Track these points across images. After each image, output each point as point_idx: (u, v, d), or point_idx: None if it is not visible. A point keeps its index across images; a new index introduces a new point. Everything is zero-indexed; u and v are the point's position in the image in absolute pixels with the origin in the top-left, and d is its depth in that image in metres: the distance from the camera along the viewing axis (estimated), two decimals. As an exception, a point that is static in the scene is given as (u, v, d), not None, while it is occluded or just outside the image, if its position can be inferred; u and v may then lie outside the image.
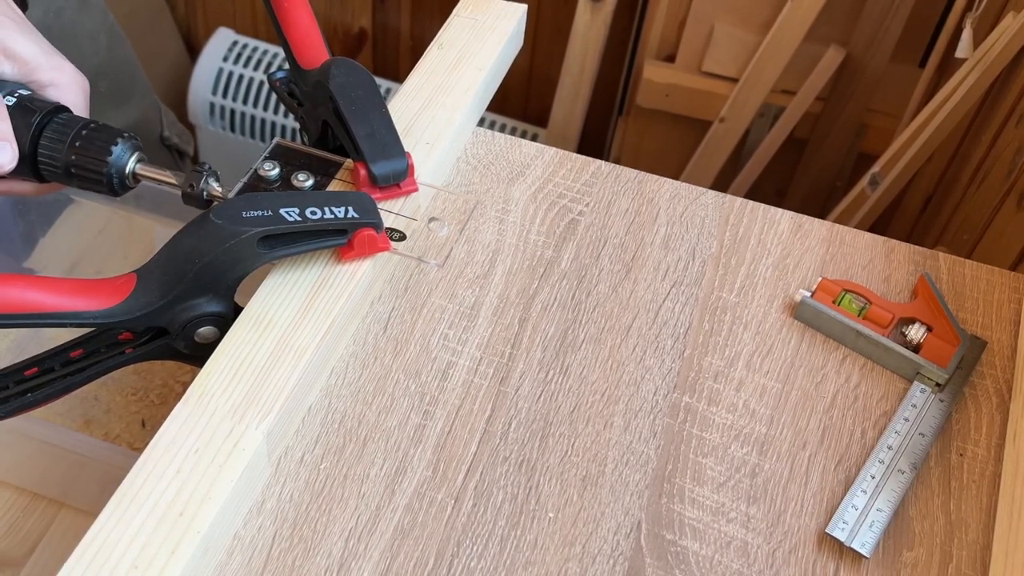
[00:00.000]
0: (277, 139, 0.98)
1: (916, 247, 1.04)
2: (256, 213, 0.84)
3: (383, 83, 2.35)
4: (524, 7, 1.17)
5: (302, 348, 0.85)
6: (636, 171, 1.08)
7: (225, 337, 0.86)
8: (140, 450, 1.10)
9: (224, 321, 0.86)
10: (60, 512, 1.04)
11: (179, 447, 0.79)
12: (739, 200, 1.07)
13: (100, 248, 1.26)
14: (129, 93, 1.48)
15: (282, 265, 0.91)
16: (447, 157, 1.05)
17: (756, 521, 0.84)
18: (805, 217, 1.06)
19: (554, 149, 1.10)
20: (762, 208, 1.07)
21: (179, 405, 0.81)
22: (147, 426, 1.12)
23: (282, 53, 2.33)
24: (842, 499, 0.86)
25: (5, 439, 1.00)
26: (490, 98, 1.14)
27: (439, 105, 1.06)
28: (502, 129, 2.33)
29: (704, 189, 1.08)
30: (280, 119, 2.35)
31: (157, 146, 1.53)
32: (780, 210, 1.07)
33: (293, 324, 0.87)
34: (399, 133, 0.96)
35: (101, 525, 0.75)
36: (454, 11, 1.16)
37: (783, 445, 0.89)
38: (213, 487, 0.77)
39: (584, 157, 1.10)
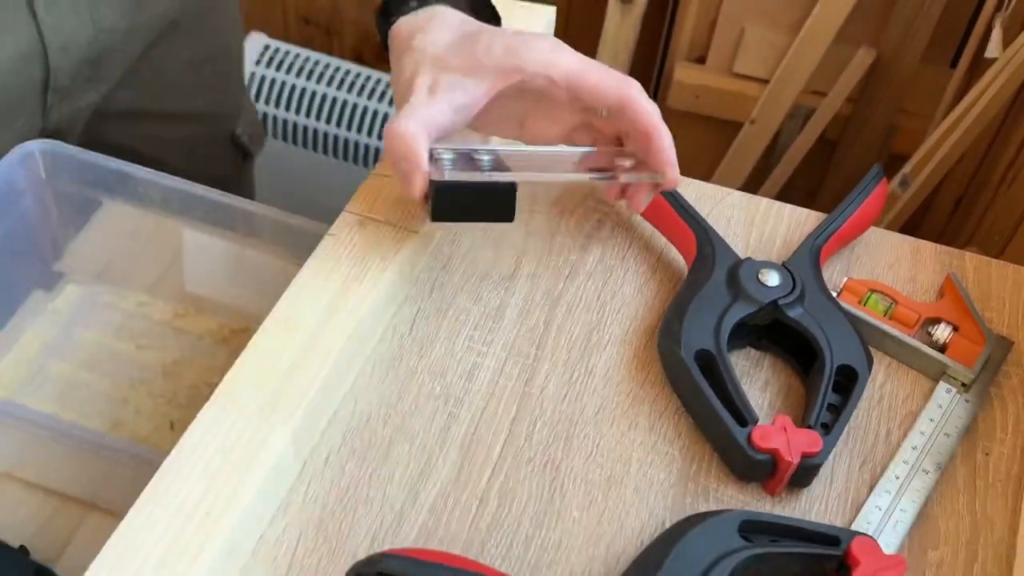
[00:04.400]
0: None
1: (942, 247, 1.04)
2: None
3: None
4: (553, 9, 1.17)
5: (328, 349, 0.86)
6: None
7: (253, 338, 0.86)
8: (169, 452, 1.10)
9: None
10: (89, 514, 1.04)
11: (206, 448, 0.79)
12: (765, 200, 1.07)
13: (130, 251, 1.27)
14: (224, 83, 1.49)
15: (308, 267, 0.91)
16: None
17: (781, 521, 0.84)
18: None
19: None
20: (788, 208, 1.07)
21: (206, 406, 0.82)
22: (176, 428, 1.13)
23: (314, 57, 2.34)
24: (867, 499, 0.86)
25: (35, 441, 1.01)
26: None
27: None
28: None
29: (730, 190, 1.08)
30: (312, 123, 2.36)
31: (226, 143, 1.53)
32: (806, 210, 1.06)
33: (319, 325, 0.87)
34: None
35: (128, 525, 0.75)
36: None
37: (808, 445, 0.89)
38: (239, 488, 0.77)
39: (610, 158, 1.10)
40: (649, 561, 0.77)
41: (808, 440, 0.83)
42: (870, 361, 0.91)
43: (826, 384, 0.88)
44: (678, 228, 0.99)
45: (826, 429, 0.86)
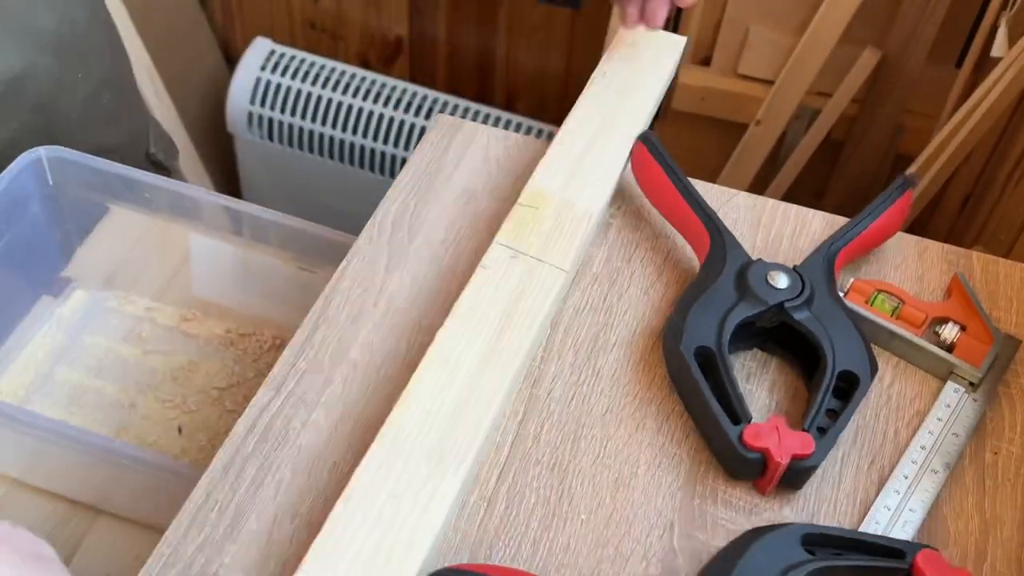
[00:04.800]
0: None
1: (948, 246, 1.04)
2: None
3: (420, 90, 2.36)
4: (684, 39, 1.18)
5: (490, 394, 0.86)
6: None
7: (413, 379, 0.86)
8: (178, 457, 1.11)
9: None
10: (98, 519, 1.04)
11: (377, 492, 0.78)
12: (771, 201, 1.07)
13: (136, 257, 1.27)
14: (126, 108, 1.48)
15: (464, 302, 0.91)
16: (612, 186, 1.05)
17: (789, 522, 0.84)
18: (837, 217, 1.06)
19: (586, 153, 1.11)
20: (794, 209, 1.07)
21: (373, 448, 0.81)
22: (183, 432, 1.13)
23: (319, 61, 2.34)
24: (875, 499, 0.86)
25: (42, 447, 1.01)
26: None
27: (608, 138, 1.07)
28: (539, 135, 2.33)
29: (736, 191, 1.08)
30: (318, 127, 2.36)
31: (142, 163, 1.52)
32: (812, 210, 1.06)
33: (478, 368, 0.87)
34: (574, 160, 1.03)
35: (306, 572, 0.74)
36: (616, 39, 1.17)
37: (816, 446, 0.89)
38: (416, 534, 0.76)
39: (615, 160, 1.10)
40: None
41: (800, 442, 0.83)
42: (874, 368, 0.90)
43: (825, 388, 0.88)
44: (693, 226, 0.99)
45: (823, 433, 0.86)
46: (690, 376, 0.89)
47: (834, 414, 0.88)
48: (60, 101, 1.31)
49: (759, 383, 0.94)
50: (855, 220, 0.99)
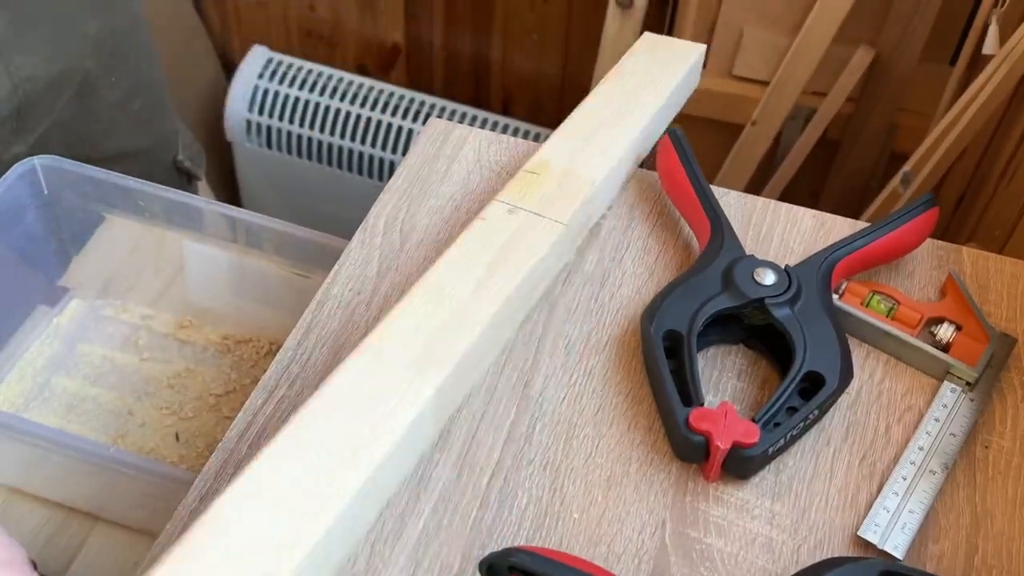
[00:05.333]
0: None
1: (938, 241, 1.04)
2: None
3: (418, 96, 2.36)
4: (703, 47, 1.18)
5: (476, 321, 0.88)
6: (657, 173, 1.08)
7: (402, 301, 0.88)
8: (175, 464, 1.11)
9: None
10: (95, 526, 1.05)
11: (355, 394, 0.80)
12: (761, 200, 1.08)
13: (132, 265, 1.28)
14: (155, 115, 1.49)
15: (459, 245, 0.93)
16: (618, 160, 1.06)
17: (781, 517, 0.85)
18: (828, 215, 1.06)
19: (576, 154, 1.11)
20: (784, 207, 1.07)
21: (352, 358, 0.83)
22: (181, 439, 1.13)
23: (317, 69, 2.35)
24: (867, 495, 0.86)
25: (39, 455, 1.01)
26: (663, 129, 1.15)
27: (618, 125, 1.08)
28: (536, 138, 2.33)
29: (726, 190, 1.08)
30: (316, 135, 2.36)
31: (169, 169, 1.53)
32: (803, 208, 1.07)
33: (469, 299, 0.89)
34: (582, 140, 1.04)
35: (261, 463, 0.75)
36: (633, 47, 1.17)
37: (807, 441, 0.89)
38: (382, 436, 0.78)
39: (606, 161, 1.10)
40: None
41: (744, 430, 0.84)
42: (847, 376, 0.90)
43: (787, 385, 0.88)
44: (698, 215, 1.00)
45: (777, 427, 0.86)
46: (653, 356, 0.90)
47: (795, 412, 0.88)
48: (91, 103, 1.33)
49: (741, 377, 0.94)
50: (866, 230, 0.99)
